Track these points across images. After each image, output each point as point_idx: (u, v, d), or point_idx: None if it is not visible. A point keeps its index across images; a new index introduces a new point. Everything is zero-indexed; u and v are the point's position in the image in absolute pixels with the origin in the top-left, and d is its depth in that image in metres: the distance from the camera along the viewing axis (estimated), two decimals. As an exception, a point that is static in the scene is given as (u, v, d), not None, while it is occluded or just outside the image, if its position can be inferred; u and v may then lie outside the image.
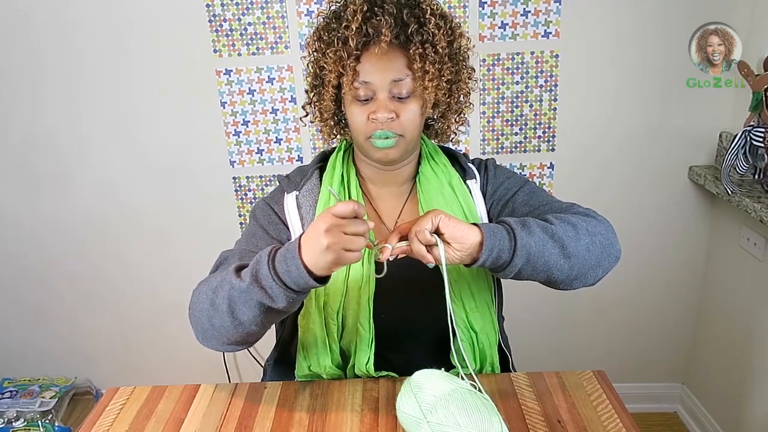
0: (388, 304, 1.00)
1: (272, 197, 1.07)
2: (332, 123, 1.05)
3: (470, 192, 1.06)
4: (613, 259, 0.95)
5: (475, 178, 1.08)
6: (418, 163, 1.08)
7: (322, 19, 0.97)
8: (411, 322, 1.00)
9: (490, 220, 1.06)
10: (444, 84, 0.95)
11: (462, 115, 1.07)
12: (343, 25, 0.91)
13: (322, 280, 0.82)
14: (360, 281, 0.99)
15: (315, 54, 0.98)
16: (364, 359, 0.99)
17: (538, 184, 1.81)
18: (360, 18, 0.89)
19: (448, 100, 1.00)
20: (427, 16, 0.91)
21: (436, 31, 0.91)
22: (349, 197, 1.04)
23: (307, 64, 1.02)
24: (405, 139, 0.96)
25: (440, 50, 0.92)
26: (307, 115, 1.07)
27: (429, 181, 1.05)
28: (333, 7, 0.96)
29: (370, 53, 0.91)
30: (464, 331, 1.01)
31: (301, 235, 0.81)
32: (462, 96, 1.03)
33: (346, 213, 0.77)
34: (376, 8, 0.90)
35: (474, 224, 0.86)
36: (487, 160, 1.12)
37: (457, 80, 0.99)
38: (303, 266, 0.78)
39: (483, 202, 1.07)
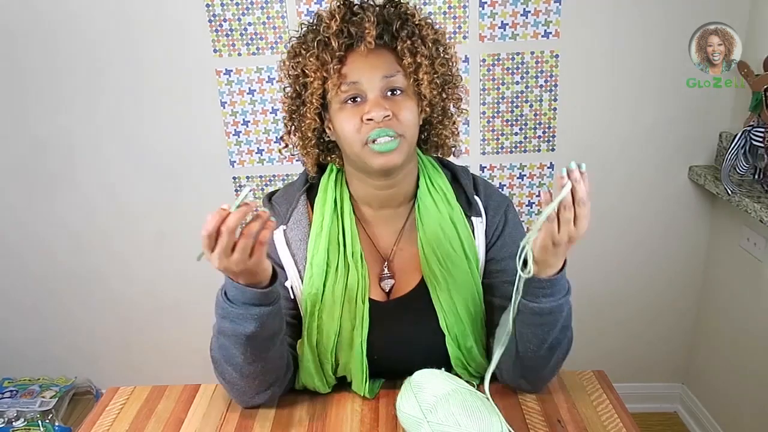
0: (381, 345, 0.95)
1: None
2: (317, 150, 0.97)
3: (473, 231, 0.98)
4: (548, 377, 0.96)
5: (481, 217, 0.98)
6: (416, 183, 0.99)
7: (295, 39, 0.92)
8: (405, 362, 0.91)
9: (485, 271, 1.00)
10: (437, 81, 0.90)
11: (456, 124, 1.01)
12: (322, 29, 0.87)
13: (269, 283, 0.83)
14: (353, 321, 0.94)
15: (294, 72, 0.91)
16: (361, 391, 0.97)
17: (537, 184, 1.81)
18: (339, 18, 0.86)
19: (442, 102, 0.95)
20: (410, 12, 0.89)
21: (423, 24, 0.89)
22: (342, 225, 0.97)
23: (284, 89, 0.95)
24: (406, 140, 0.88)
25: (429, 43, 0.89)
26: (286, 146, 1.00)
27: (428, 212, 0.97)
28: (305, 27, 0.92)
29: (356, 53, 0.87)
30: (455, 355, 0.97)
31: None
32: (453, 103, 0.98)
33: (209, 238, 0.75)
34: (355, 8, 0.88)
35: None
36: (506, 207, 1.01)
37: (448, 80, 0.94)
38: (232, 281, 0.81)
39: (484, 246, 0.98)
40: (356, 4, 0.88)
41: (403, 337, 0.96)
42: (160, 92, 1.74)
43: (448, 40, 0.95)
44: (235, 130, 1.77)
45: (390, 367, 0.97)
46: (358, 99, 0.87)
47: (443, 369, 0.88)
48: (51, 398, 2.00)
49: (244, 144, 1.78)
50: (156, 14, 1.66)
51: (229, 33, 1.66)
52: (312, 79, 0.87)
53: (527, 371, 0.93)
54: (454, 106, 0.98)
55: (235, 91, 1.72)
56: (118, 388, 1.04)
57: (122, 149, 1.81)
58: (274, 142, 1.78)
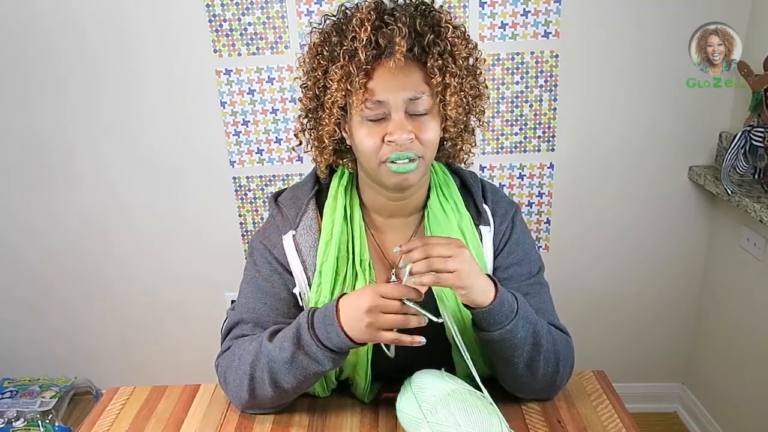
0: (386, 354, 0.93)
1: (268, 237, 0.97)
2: (330, 149, 0.93)
3: (481, 239, 0.97)
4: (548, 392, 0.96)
5: (489, 225, 0.97)
6: (428, 193, 0.98)
7: (317, 35, 0.87)
8: (410, 371, 0.91)
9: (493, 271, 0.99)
10: (463, 99, 0.87)
11: (474, 134, 0.98)
12: (350, 37, 0.81)
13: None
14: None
15: (314, 73, 0.86)
16: (362, 396, 0.98)
17: (537, 184, 1.81)
18: (369, 27, 0.79)
19: (465, 118, 0.91)
20: (443, 25, 0.83)
21: (456, 41, 0.83)
22: (351, 234, 0.95)
23: (301, 86, 0.91)
24: (425, 161, 0.87)
25: (460, 61, 0.84)
26: (300, 144, 0.96)
27: (438, 221, 0.96)
28: (329, 21, 0.86)
29: (383, 68, 0.81)
30: (459, 361, 0.96)
31: (338, 298, 0.82)
32: (476, 115, 0.94)
33: (392, 295, 0.78)
34: (386, 17, 0.81)
35: (490, 278, 0.84)
36: (514, 213, 1.01)
37: (475, 95, 0.91)
38: (343, 332, 0.80)
39: (492, 254, 0.98)
40: (387, 11, 0.83)
41: (409, 346, 0.96)
42: (160, 92, 1.73)
43: (478, 51, 0.90)
44: (235, 130, 1.77)
45: (394, 375, 0.95)
46: (380, 119, 0.84)
47: (443, 369, 0.88)
48: (51, 398, 2.00)
49: (244, 144, 1.78)
50: (156, 14, 1.65)
51: (229, 33, 1.66)
52: (335, 90, 0.83)
53: (520, 389, 0.94)
54: (476, 119, 0.95)
55: (235, 91, 1.72)
56: (118, 388, 1.04)
57: (122, 149, 1.81)
58: (274, 143, 1.78)
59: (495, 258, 0.98)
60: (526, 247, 0.99)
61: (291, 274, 0.95)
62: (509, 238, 0.98)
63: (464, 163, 1.01)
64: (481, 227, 0.97)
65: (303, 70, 0.90)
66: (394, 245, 0.97)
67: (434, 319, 0.80)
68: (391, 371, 0.93)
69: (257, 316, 0.95)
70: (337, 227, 0.94)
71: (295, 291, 0.95)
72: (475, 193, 1.00)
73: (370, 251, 0.96)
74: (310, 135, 0.94)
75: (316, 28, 0.88)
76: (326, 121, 0.87)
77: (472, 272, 0.80)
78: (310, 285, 0.94)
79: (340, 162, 0.97)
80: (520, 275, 0.97)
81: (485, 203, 0.99)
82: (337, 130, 0.90)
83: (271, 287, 0.96)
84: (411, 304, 0.79)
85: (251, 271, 0.98)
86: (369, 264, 0.95)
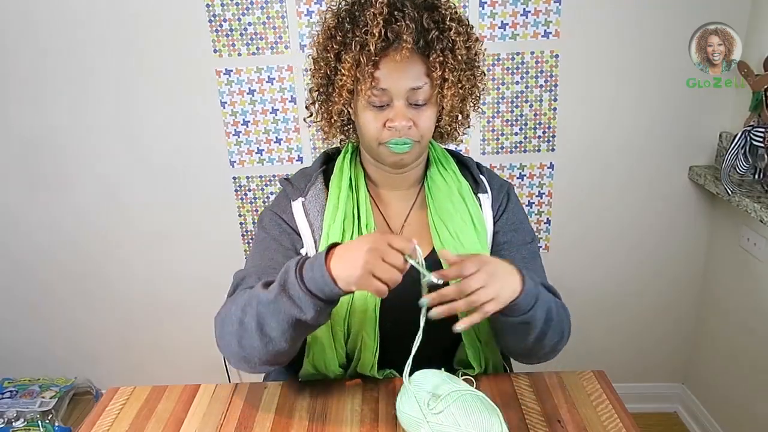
0: (393, 312, 0.96)
1: (278, 205, 1.05)
2: (338, 124, 1.03)
3: (480, 205, 1.05)
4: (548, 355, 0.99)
5: (487, 193, 1.06)
6: (426, 167, 1.07)
7: (331, 16, 0.94)
8: (417, 329, 0.94)
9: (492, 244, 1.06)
10: (460, 91, 0.95)
11: (469, 117, 1.06)
12: (363, 29, 0.88)
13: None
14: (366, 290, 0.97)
15: (326, 54, 0.94)
16: (368, 364, 0.99)
17: (537, 184, 1.81)
18: (381, 21, 0.86)
19: (461, 104, 0.99)
20: (447, 22, 0.90)
21: (456, 38, 0.90)
22: (357, 201, 1.02)
23: (314, 63, 0.98)
24: (420, 144, 0.96)
25: (460, 57, 0.91)
26: (311, 115, 1.04)
27: (438, 188, 1.04)
28: (344, 6, 0.93)
29: (390, 59, 0.88)
30: (470, 341, 1.01)
31: (334, 244, 0.82)
32: (473, 101, 1.02)
33: (397, 246, 0.78)
34: (396, 12, 0.88)
35: (512, 264, 0.87)
36: (509, 187, 1.11)
37: (472, 86, 0.98)
38: (329, 274, 0.79)
39: (492, 220, 1.06)
40: (398, 6, 0.88)
41: (415, 304, 0.97)
42: (160, 92, 1.73)
43: (480, 45, 0.97)
44: (235, 130, 1.77)
45: (401, 335, 0.95)
46: (383, 106, 0.92)
47: (443, 369, 0.89)
48: (51, 398, 2.00)
49: (244, 144, 1.78)
50: (156, 14, 1.65)
51: (229, 33, 1.66)
52: (345, 76, 0.91)
53: (524, 358, 1.00)
54: (473, 101, 1.03)
55: (235, 91, 1.72)
56: (118, 388, 1.04)
57: (123, 149, 1.81)
58: (274, 143, 1.78)
59: (495, 223, 1.06)
60: (521, 217, 1.09)
61: (299, 235, 1.01)
62: (506, 208, 1.07)
63: (455, 141, 1.10)
64: (480, 195, 1.06)
65: (317, 49, 0.96)
66: (396, 215, 1.06)
67: (435, 280, 0.80)
68: (400, 331, 0.94)
69: (262, 270, 0.97)
70: (344, 194, 1.01)
71: (303, 251, 1.01)
72: (471, 166, 1.09)
73: (375, 221, 1.02)
74: (321, 108, 1.01)
75: (331, 8, 0.94)
76: (336, 99, 0.95)
77: (505, 283, 0.83)
78: (317, 247, 1.00)
79: (346, 135, 1.06)
80: (517, 240, 1.05)
81: (481, 175, 1.09)
82: (345, 110, 0.98)
83: (279, 245, 1.01)
84: (412, 262, 0.79)
85: (260, 235, 1.04)
86: (374, 230, 1.01)
